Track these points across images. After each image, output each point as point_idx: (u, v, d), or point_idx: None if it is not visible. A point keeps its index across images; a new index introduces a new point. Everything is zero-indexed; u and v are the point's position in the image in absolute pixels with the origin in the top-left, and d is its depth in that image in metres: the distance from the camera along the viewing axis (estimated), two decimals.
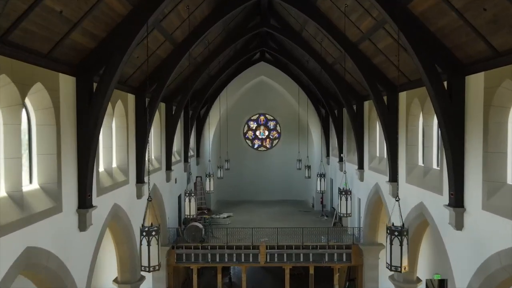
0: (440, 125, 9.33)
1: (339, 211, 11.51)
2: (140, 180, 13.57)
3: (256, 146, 29.92)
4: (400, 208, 7.42)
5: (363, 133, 17.56)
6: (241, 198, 29.27)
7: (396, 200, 7.35)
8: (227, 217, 24.22)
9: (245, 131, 29.86)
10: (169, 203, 18.42)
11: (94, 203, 9.94)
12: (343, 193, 11.38)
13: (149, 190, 7.97)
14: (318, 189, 16.34)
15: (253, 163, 29.56)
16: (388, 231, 7.17)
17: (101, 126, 9.57)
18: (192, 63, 16.75)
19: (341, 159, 21.96)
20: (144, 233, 6.81)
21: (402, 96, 12.96)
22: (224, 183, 29.12)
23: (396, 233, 7.06)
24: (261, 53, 25.37)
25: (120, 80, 11.51)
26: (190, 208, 11.21)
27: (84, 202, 9.47)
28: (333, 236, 19.14)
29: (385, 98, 13.44)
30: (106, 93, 9.12)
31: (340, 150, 21.86)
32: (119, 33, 9.13)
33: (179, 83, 17.38)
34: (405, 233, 7.04)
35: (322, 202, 25.11)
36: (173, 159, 19.62)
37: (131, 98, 13.08)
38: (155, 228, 6.94)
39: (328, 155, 25.90)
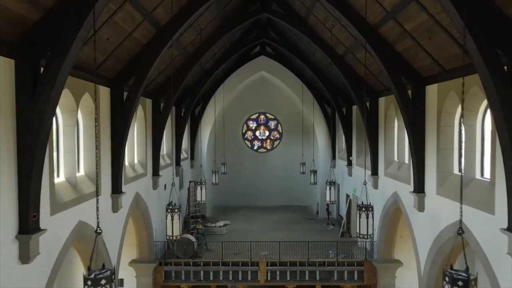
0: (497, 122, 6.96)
1: (358, 232, 9.18)
2: (116, 190, 11.26)
3: (255, 147, 27.61)
4: (463, 244, 5.06)
5: (377, 134, 15.25)
6: (240, 204, 26.96)
7: (459, 234, 4.98)
8: (224, 225, 21.90)
9: (244, 131, 27.56)
10: (156, 213, 16.10)
11: None
12: (364, 209, 9.02)
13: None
14: (328, 199, 14.02)
15: (253, 166, 27.25)
16: (447, 278, 4.83)
17: (48, 126, 7.14)
18: (182, 53, 14.44)
19: (349, 163, 19.64)
20: None
21: (432, 89, 10.65)
22: (221, 187, 26.80)
23: (460, 284, 4.71)
24: (261, 46, 23.06)
25: (86, 68, 9.20)
26: (173, 228, 8.86)
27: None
28: (342, 249, 16.84)
29: (407, 92, 11.15)
30: (55, 82, 6.76)
31: (349, 153, 19.54)
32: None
33: (167, 76, 15.08)
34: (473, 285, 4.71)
35: (327, 209, 22.78)
36: (162, 163, 17.31)
37: (104, 91, 10.77)
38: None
39: (334, 157, 23.59)
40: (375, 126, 15.23)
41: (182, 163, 20.76)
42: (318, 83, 21.40)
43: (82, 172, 10.36)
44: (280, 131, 27.47)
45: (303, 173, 21.76)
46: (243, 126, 27.53)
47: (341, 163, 22.16)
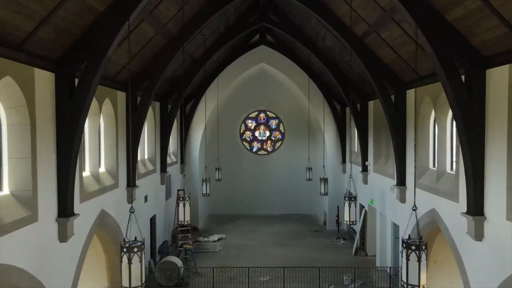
0: None
1: (403, 281, 6.14)
2: (64, 213, 8.21)
3: (255, 149, 24.55)
4: None
5: (405, 135, 12.21)
6: (237, 212, 23.92)
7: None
8: (218, 240, 18.86)
9: (242, 131, 24.49)
10: (135, 230, 13.06)
11: None
12: (411, 247, 5.92)
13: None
14: (346, 218, 10.91)
15: (252, 170, 24.19)
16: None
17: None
18: (160, 32, 11.37)
19: (364, 169, 16.59)
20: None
21: (494, 73, 7.60)
22: (217, 194, 23.80)
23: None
24: (261, 34, 20.02)
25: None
26: (131, 278, 5.80)
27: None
28: (359, 273, 13.83)
29: (461, 79, 8.09)
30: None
31: (364, 157, 16.50)
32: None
33: (146, 63, 12.03)
34: None
35: (337, 221, 19.75)
36: (142, 170, 14.27)
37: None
38: None
39: (343, 161, 20.53)
40: (401, 125, 12.20)
41: (169, 168, 17.72)
42: (327, 75, 18.36)
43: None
44: (282, 131, 24.42)
45: (310, 179, 18.71)
46: (241, 125, 24.48)
47: (353, 168, 19.10)
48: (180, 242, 16.59)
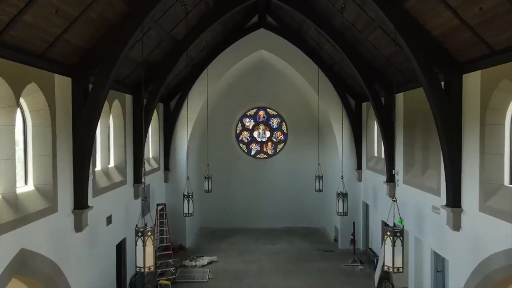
0: None
1: None
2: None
3: (253, 152, 21.00)
4: None
5: (460, 137, 8.68)
6: (233, 225, 20.40)
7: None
8: (208, 264, 15.32)
9: (238, 131, 20.94)
10: (94, 261, 9.58)
11: None
12: None
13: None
14: (386, 262, 7.30)
15: (250, 176, 20.64)
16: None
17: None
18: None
19: (390, 179, 13.05)
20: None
21: None
22: (210, 204, 20.36)
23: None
24: (260, 14, 16.48)
25: None
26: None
27: None
28: None
29: None
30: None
31: (390, 164, 12.96)
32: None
33: (96, 38, 8.50)
34: None
35: (353, 241, 16.21)
36: (103, 183, 10.74)
37: None
38: None
39: (359, 167, 16.98)
40: (455, 123, 8.66)
41: (148, 177, 14.21)
42: (340, 64, 14.85)
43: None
44: (285, 131, 20.87)
45: (320, 190, 15.14)
46: (237, 124, 20.93)
47: (371, 176, 15.59)
48: (159, 270, 13.06)
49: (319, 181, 15.03)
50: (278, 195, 20.57)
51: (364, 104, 16.50)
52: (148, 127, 12.97)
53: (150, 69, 12.51)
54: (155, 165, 15.66)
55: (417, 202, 11.24)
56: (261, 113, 20.97)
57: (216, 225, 20.34)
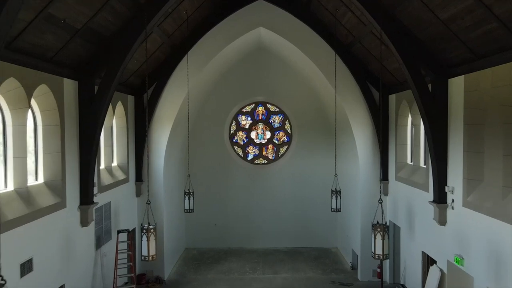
0: None
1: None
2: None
3: (250, 156, 17.18)
4: None
5: None
6: (226, 245, 16.64)
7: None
8: None
9: (232, 131, 17.12)
10: None
11: None
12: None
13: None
14: None
15: (246, 185, 16.83)
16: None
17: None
18: None
19: (440, 199, 9.22)
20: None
21: None
22: (199, 219, 16.57)
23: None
24: None
25: None
26: None
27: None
28: None
29: None
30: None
31: (441, 178, 9.13)
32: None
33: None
34: None
35: (380, 275, 12.39)
36: (22, 209, 6.93)
37: None
38: None
39: (384, 178, 13.15)
40: None
41: (110, 192, 10.45)
42: (363, 44, 11.09)
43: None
44: (289, 131, 17.04)
45: (337, 210, 11.27)
46: (231, 123, 17.09)
47: (403, 191, 11.80)
48: None
49: (336, 198, 11.19)
50: (281, 209, 16.75)
51: (392, 97, 12.69)
52: (100, 125, 9.14)
53: (98, 42, 8.71)
54: (121, 176, 11.83)
55: (492, 238, 7.43)
56: (260, 109, 17.14)
57: (205, 246, 16.54)
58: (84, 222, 9.10)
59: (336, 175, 11.39)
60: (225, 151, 16.85)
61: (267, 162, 17.06)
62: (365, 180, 13.31)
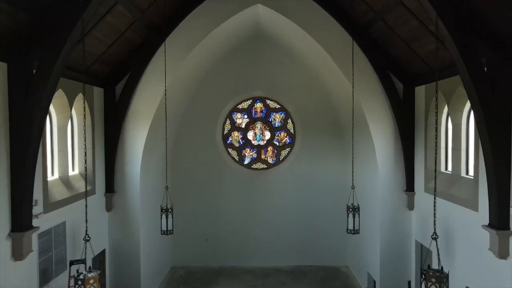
0: None
1: None
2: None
3: (247, 160, 14.71)
4: None
5: None
6: (217, 264, 14.20)
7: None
8: None
9: (226, 131, 14.65)
10: None
11: None
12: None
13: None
14: None
15: (242, 194, 14.37)
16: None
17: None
18: None
19: (501, 224, 6.76)
20: None
21: None
22: (187, 233, 14.15)
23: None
24: None
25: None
26: None
27: None
28: None
29: None
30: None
31: (501, 194, 6.67)
32: None
33: None
34: None
35: None
36: None
37: None
38: None
39: (409, 188, 10.68)
40: None
41: (68, 208, 8.02)
42: (389, 24, 8.63)
43: None
44: (292, 131, 14.58)
45: (355, 232, 8.79)
46: (225, 122, 14.62)
47: (437, 206, 9.30)
48: None
49: (354, 216, 8.72)
50: (282, 221, 14.29)
51: (420, 90, 10.22)
52: (39, 123, 6.67)
53: (34, 10, 6.24)
54: (83, 187, 9.37)
55: None
56: (258, 106, 14.67)
57: (194, 264, 14.11)
58: (17, 255, 6.64)
59: (353, 187, 8.93)
60: (218, 154, 14.37)
61: (266, 167, 14.60)
62: (385, 190, 10.86)
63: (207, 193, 14.14)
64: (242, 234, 14.30)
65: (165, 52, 9.00)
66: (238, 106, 14.58)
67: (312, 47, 11.14)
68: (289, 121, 14.54)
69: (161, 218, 8.70)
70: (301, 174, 14.22)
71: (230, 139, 14.63)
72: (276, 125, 14.62)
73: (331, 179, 13.86)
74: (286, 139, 14.62)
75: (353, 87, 9.05)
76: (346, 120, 13.02)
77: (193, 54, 10.78)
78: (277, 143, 14.63)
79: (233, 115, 14.61)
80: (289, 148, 14.56)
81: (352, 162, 9.17)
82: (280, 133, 14.64)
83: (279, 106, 14.53)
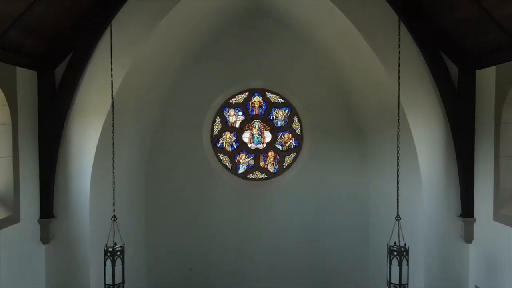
0: None
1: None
2: None
3: (242, 168, 11.59)
4: None
5: None
6: (210, 286, 11.11)
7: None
8: None
9: (215, 132, 11.53)
10: None
11: None
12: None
13: None
14: None
15: (236, 211, 11.23)
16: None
17: None
18: None
19: None
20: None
21: None
22: (164, 261, 10.97)
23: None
24: None
25: None
26: None
27: None
28: None
29: None
30: None
31: None
32: None
33: None
34: None
35: None
36: None
37: None
38: None
39: (467, 213, 7.58)
40: None
41: None
42: None
43: None
44: (298, 132, 11.47)
45: (401, 286, 5.71)
46: (214, 120, 11.50)
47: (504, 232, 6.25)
48: None
49: (400, 262, 5.61)
50: (286, 246, 11.14)
51: (485, 74, 7.12)
52: None
53: None
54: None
55: None
56: (256, 100, 11.57)
57: (181, 286, 11.01)
58: None
59: (399, 218, 5.83)
60: (205, 161, 11.24)
61: (266, 177, 11.49)
62: (431, 214, 7.78)
63: (190, 211, 11.03)
64: (235, 261, 11.16)
65: (111, 32, 5.90)
66: (231, 101, 11.47)
67: (330, 20, 8.06)
68: (295, 119, 11.43)
69: (105, 265, 5.61)
70: (311, 186, 11.10)
71: (220, 141, 11.53)
72: (279, 125, 11.52)
73: (351, 193, 10.78)
74: (291, 142, 11.51)
75: (399, 68, 5.96)
76: (370, 118, 9.96)
77: (167, 27, 7.73)
78: (279, 147, 11.53)
79: (225, 112, 11.50)
80: (295, 154, 11.46)
81: (398, 179, 6.07)
82: (283, 135, 11.53)
83: (283, 101, 11.42)
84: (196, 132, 11.16)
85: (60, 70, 7.39)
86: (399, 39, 5.99)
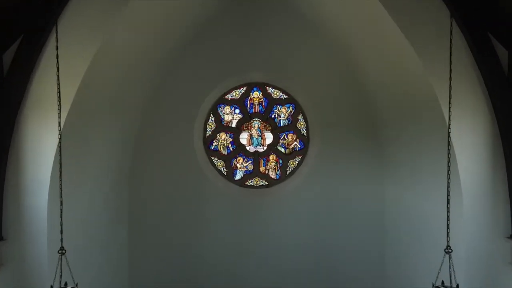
0: None
1: None
2: None
3: (239, 174, 10.09)
4: None
5: None
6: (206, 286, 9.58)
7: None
8: None
9: (208, 132, 10.02)
10: None
11: None
12: None
13: None
14: None
15: (232, 224, 9.74)
16: None
17: None
18: None
19: None
20: None
21: None
22: (150, 282, 9.37)
23: None
24: None
25: None
26: None
27: None
28: None
29: None
30: None
31: None
32: None
33: None
34: None
35: None
36: None
37: None
38: None
39: None
40: None
41: None
42: None
43: None
44: (304, 132, 9.97)
45: None
46: (207, 119, 9.98)
47: None
48: None
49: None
50: (290, 263, 9.65)
51: None
52: None
53: None
54: None
55: None
56: (256, 95, 10.07)
57: (178, 286, 9.50)
58: None
59: (449, 251, 4.31)
60: (197, 165, 9.72)
61: (267, 184, 9.98)
62: (473, 234, 6.28)
63: (180, 225, 9.51)
64: (231, 281, 9.65)
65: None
66: (226, 96, 9.97)
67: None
68: (300, 117, 9.93)
69: None
70: (318, 195, 9.61)
71: (214, 143, 10.02)
72: (282, 124, 10.02)
73: (365, 204, 9.28)
74: (296, 144, 10.01)
75: (450, 57, 4.45)
76: (390, 117, 8.47)
77: (145, 9, 6.21)
78: (282, 150, 10.02)
79: (219, 109, 10.01)
80: (300, 157, 9.96)
81: (448, 197, 4.56)
82: (286, 135, 10.03)
83: (286, 96, 9.92)
84: (186, 133, 9.65)
85: (9, 55, 5.85)
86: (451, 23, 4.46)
